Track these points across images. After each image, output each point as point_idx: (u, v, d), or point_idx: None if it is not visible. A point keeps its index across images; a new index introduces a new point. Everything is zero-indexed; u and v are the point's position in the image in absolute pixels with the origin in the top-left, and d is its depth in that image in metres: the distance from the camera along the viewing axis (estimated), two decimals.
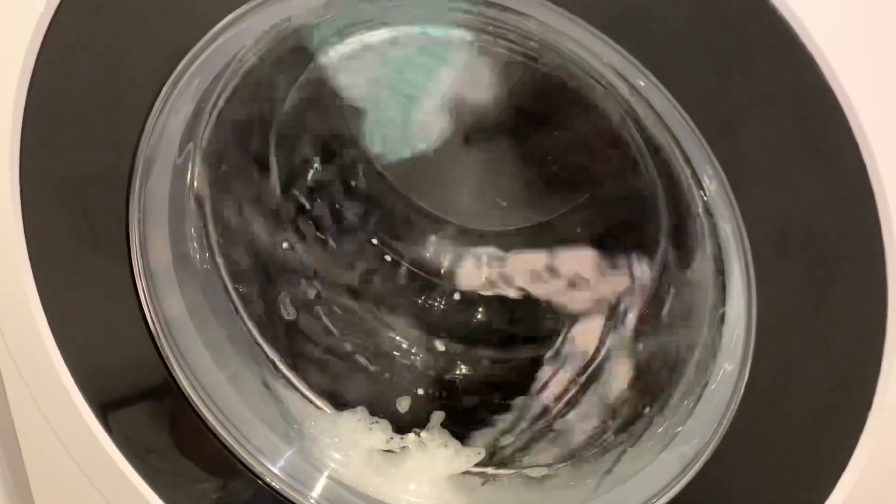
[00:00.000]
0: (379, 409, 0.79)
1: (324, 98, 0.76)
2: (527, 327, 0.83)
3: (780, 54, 0.46)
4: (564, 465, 0.73)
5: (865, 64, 0.45)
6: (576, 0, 0.49)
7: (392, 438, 0.78)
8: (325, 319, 0.82)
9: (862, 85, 0.45)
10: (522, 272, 0.82)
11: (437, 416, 0.79)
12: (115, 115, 0.61)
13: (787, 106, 0.47)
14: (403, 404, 0.80)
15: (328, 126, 0.81)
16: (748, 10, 0.46)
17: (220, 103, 0.68)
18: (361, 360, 0.83)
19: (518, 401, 0.79)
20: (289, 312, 0.81)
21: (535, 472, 0.74)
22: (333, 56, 0.72)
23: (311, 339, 0.81)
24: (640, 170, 0.72)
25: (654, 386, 0.70)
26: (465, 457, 0.76)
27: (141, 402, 0.73)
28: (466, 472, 0.76)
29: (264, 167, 0.80)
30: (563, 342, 0.80)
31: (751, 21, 0.46)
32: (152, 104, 0.60)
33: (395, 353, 0.84)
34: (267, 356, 0.78)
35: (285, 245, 0.82)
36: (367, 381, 0.82)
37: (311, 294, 0.83)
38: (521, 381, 0.80)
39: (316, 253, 0.84)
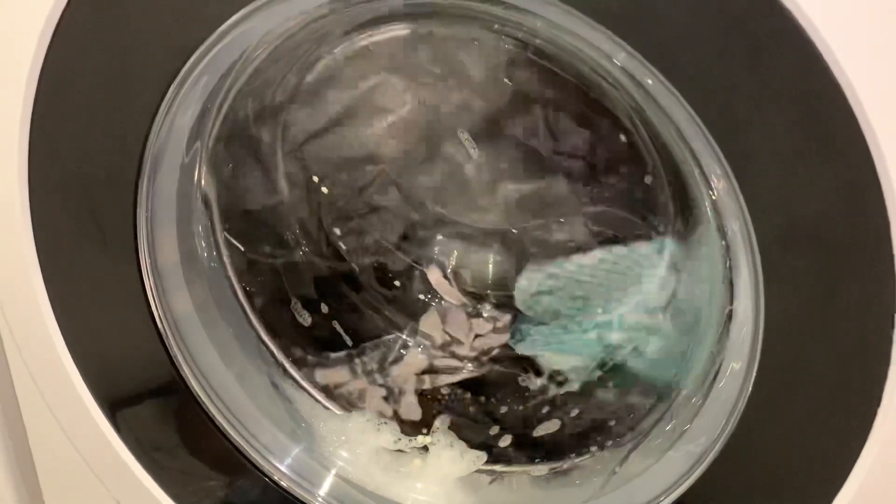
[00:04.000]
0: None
1: (329, 96, 0.76)
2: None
3: (786, 49, 0.46)
4: (578, 458, 0.73)
5: (872, 58, 0.45)
6: None
7: (400, 439, 0.78)
8: (335, 324, 0.82)
9: (869, 79, 0.45)
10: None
11: (444, 418, 0.79)
12: (122, 114, 0.62)
13: (793, 101, 0.47)
14: (412, 407, 0.80)
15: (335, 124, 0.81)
16: (754, 6, 0.45)
17: (228, 102, 0.68)
18: (369, 361, 0.83)
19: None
20: (303, 318, 0.81)
21: (542, 471, 0.74)
22: (340, 54, 0.73)
23: (320, 341, 0.81)
24: (648, 168, 0.71)
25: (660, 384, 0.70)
26: (471, 458, 0.76)
27: (149, 400, 0.73)
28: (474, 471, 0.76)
29: (271, 167, 0.80)
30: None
31: (756, 16, 0.46)
32: (160, 103, 0.60)
33: (402, 352, 0.84)
34: (275, 357, 0.78)
35: (291, 242, 0.82)
36: (375, 381, 0.82)
37: (320, 297, 0.83)
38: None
39: (324, 253, 0.84)
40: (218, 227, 0.75)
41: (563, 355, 0.77)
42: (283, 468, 0.73)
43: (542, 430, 0.76)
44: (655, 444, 0.66)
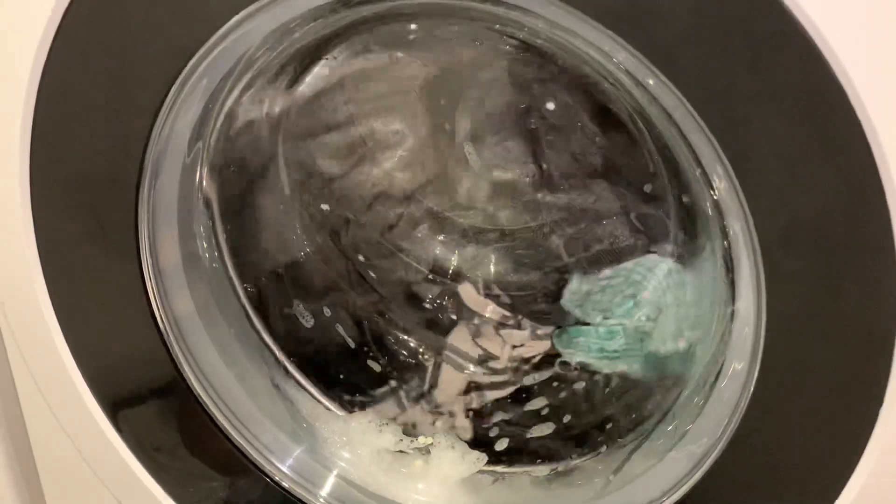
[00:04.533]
0: (389, 411, 0.79)
1: (333, 98, 0.76)
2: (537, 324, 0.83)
3: (787, 49, 0.45)
4: (579, 459, 0.73)
5: (873, 57, 0.45)
6: None
7: (402, 440, 0.78)
8: (338, 326, 0.82)
9: (870, 78, 0.44)
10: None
11: (446, 419, 0.79)
12: (124, 115, 0.62)
13: (795, 101, 0.47)
14: (415, 409, 0.80)
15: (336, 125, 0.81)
16: (754, 6, 0.45)
17: (228, 103, 0.68)
18: (371, 363, 0.83)
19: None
20: (306, 320, 0.81)
21: (543, 472, 0.74)
22: (341, 56, 0.73)
23: (322, 342, 0.81)
24: (649, 168, 0.71)
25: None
26: (472, 459, 0.76)
27: (150, 400, 0.73)
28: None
29: (273, 168, 0.80)
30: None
31: (757, 16, 0.46)
32: (161, 104, 0.60)
33: (404, 353, 0.84)
34: (276, 358, 0.78)
35: (293, 240, 0.82)
36: (376, 383, 0.82)
37: (323, 298, 0.83)
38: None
39: (326, 254, 0.84)
40: (219, 227, 0.75)
41: (612, 362, 0.76)
42: (284, 469, 0.73)
43: (536, 432, 0.76)
44: (657, 444, 0.66)
